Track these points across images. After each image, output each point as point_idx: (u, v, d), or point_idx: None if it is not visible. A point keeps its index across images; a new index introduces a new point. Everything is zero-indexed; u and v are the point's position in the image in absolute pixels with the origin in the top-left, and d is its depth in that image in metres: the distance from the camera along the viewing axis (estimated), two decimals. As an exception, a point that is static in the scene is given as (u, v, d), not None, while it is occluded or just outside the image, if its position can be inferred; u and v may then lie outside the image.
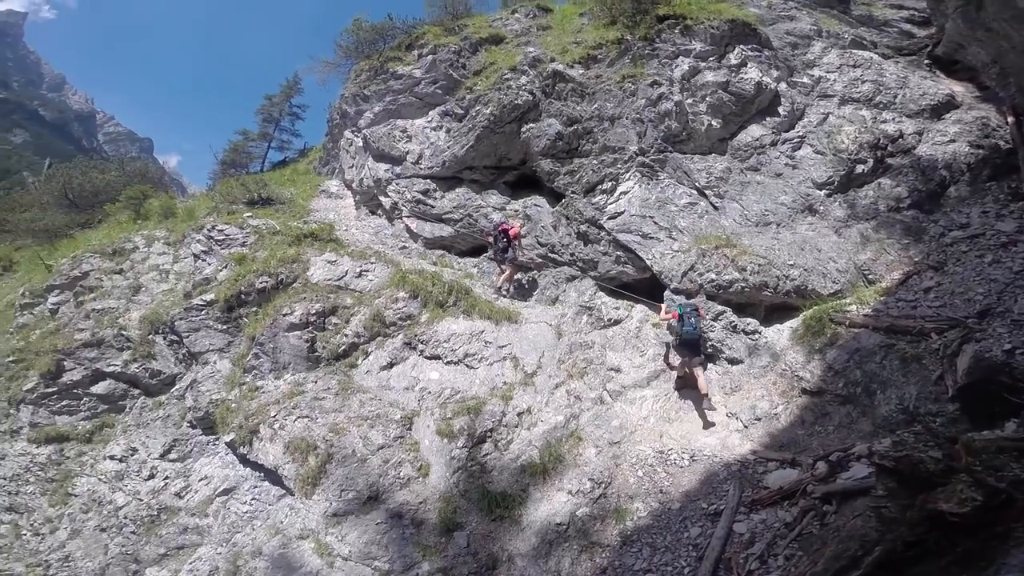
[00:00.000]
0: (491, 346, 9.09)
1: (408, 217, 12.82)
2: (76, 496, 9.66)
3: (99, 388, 10.18)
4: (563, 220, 10.85)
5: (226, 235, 11.55)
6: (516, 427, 8.01)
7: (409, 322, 9.60)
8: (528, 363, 8.85)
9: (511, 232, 10.43)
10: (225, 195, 14.32)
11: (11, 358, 10.49)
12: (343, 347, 9.40)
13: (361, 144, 14.32)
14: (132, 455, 9.65)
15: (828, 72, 11.58)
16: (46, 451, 9.98)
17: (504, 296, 10.48)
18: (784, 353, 8.22)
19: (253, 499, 8.80)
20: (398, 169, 13.01)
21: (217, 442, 9.36)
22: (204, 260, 11.28)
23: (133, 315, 10.39)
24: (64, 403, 10.18)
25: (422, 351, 9.23)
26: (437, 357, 9.11)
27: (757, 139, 10.72)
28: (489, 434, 7.90)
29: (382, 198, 13.46)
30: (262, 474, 8.80)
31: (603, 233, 10.26)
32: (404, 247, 12.70)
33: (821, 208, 9.93)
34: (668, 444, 7.65)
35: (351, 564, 7.11)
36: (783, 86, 11.25)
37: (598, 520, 6.76)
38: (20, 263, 15.56)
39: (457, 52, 12.83)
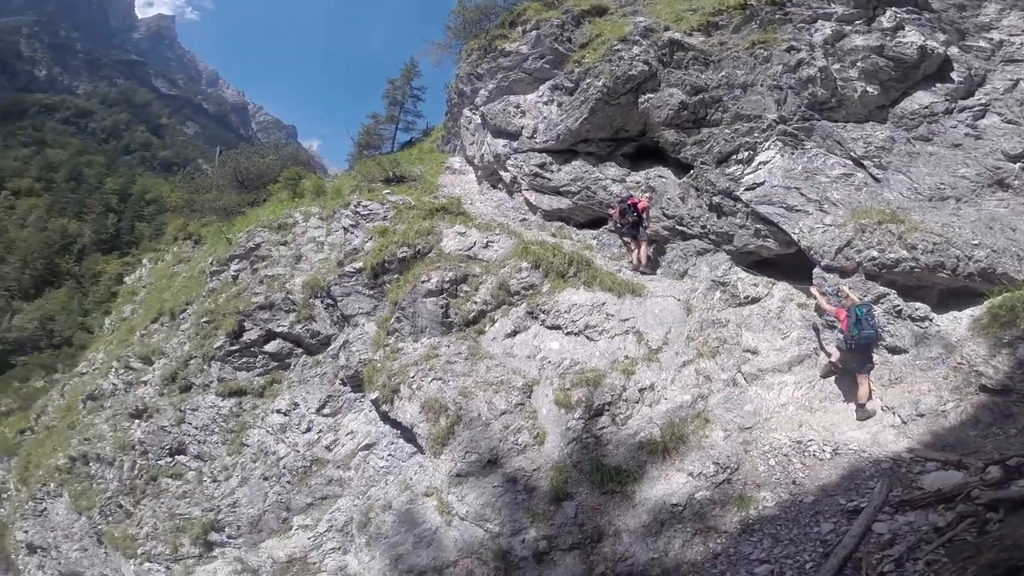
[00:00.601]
0: (613, 319, 9.23)
1: (527, 190, 13.40)
2: (248, 446, 11.35)
3: (270, 347, 11.93)
4: (692, 191, 10.60)
5: (370, 210, 12.97)
6: (636, 403, 8.13)
7: (531, 291, 10.09)
8: (653, 338, 8.88)
9: (640, 205, 10.43)
10: (364, 174, 15.95)
11: (205, 319, 12.82)
12: (472, 314, 10.16)
13: (479, 121, 15.10)
14: (294, 409, 11.23)
15: (1011, 35, 9.85)
16: (228, 404, 11.87)
17: (642, 272, 10.58)
18: (961, 344, 7.29)
19: (389, 455, 9.83)
20: (515, 144, 13.57)
21: (363, 399, 10.62)
22: (352, 233, 12.81)
23: (297, 281, 12.15)
24: (244, 360, 12.01)
25: (543, 320, 9.68)
26: (558, 327, 9.50)
27: (926, 107, 9.51)
28: (607, 407, 8.12)
29: (502, 172, 14.16)
30: (398, 431, 9.81)
31: (739, 205, 9.85)
32: (524, 219, 13.30)
33: (1015, 183, 8.56)
34: (808, 434, 7.27)
35: (466, 524, 7.75)
36: (954, 50, 9.84)
37: (718, 505, 6.71)
38: (207, 237, 18.89)
39: (560, 26, 12.96)
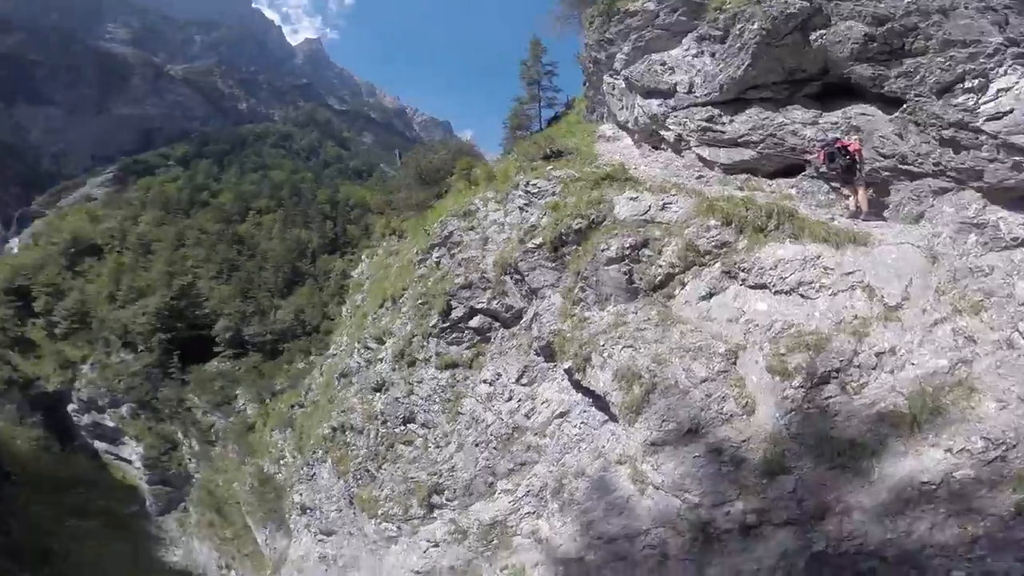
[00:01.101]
0: (832, 273, 8.03)
1: (698, 146, 12.50)
2: (462, 414, 12.26)
3: (474, 323, 12.86)
4: (911, 127, 8.92)
5: (538, 188, 13.22)
6: (873, 369, 6.98)
7: (725, 250, 9.31)
8: (889, 294, 7.51)
9: (852, 147, 9.11)
10: (524, 155, 16.37)
11: (420, 301, 14.36)
12: (659, 278, 9.76)
13: (623, 85, 14.45)
14: (497, 379, 11.94)
15: None
16: (445, 376, 13.03)
17: (863, 219, 9.23)
18: None
19: (582, 423, 9.87)
20: (671, 102, 12.78)
21: (556, 368, 10.86)
22: (526, 211, 13.20)
23: (488, 260, 12.96)
24: (454, 335, 13.14)
25: (743, 280, 8.86)
26: (762, 286, 8.60)
27: None
28: (834, 374, 7.10)
29: (663, 132, 13.39)
30: (591, 399, 9.81)
31: (983, 137, 8.04)
32: (700, 176, 12.41)
33: None
34: (1125, 404, 5.50)
35: (661, 493, 7.45)
36: None
37: (985, 486, 5.51)
38: (408, 231, 21.30)
39: (686, -27, 11.74)
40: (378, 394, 15.16)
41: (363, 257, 26.82)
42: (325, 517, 17.21)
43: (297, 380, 36.40)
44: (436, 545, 11.82)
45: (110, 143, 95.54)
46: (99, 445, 42.64)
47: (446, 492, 12.03)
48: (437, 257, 15.01)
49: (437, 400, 13.09)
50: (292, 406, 32.70)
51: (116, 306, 47.20)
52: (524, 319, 12.01)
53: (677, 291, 9.54)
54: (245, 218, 65.35)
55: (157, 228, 58.75)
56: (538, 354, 11.42)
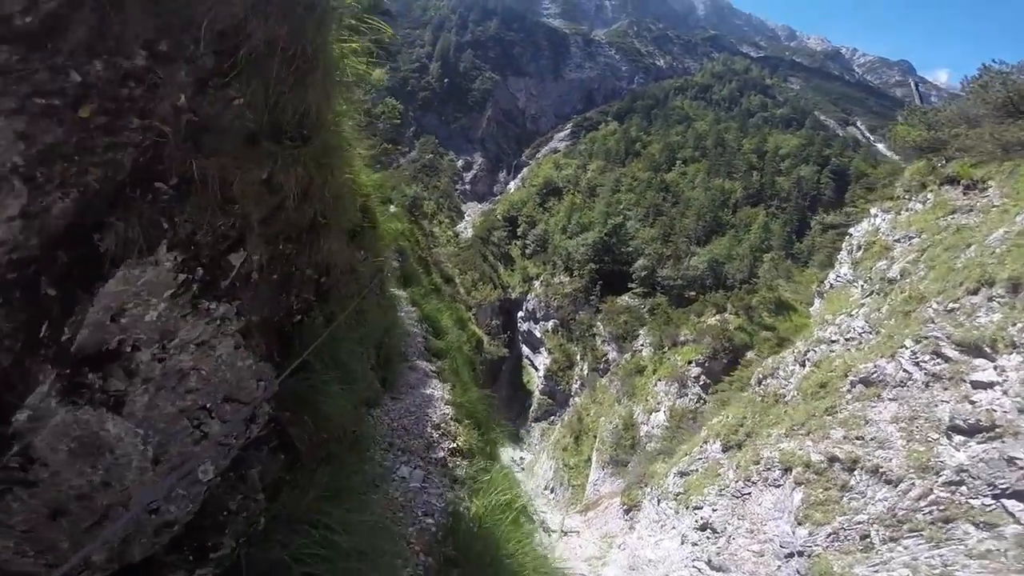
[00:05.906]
0: None
1: None
2: None
3: None
4: None
5: None
6: None
7: None
8: None
9: None
10: None
11: None
12: None
13: None
14: None
15: None
16: None
17: None
18: None
19: None
20: None
21: None
22: None
23: None
24: None
25: None
26: None
27: None
28: None
29: None
30: None
31: None
32: None
33: None
34: None
35: None
36: None
37: None
38: (992, 178, 13.44)
39: None
40: (960, 437, 9.23)
41: (874, 212, 19.15)
42: (727, 549, 12.26)
43: (703, 336, 32.66)
44: None
45: (566, 103, 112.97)
46: (525, 350, 50.48)
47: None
48: None
49: None
50: (690, 362, 30.20)
51: (566, 236, 54.43)
52: None
53: None
54: (672, 167, 64.80)
55: (600, 175, 65.34)
56: None
